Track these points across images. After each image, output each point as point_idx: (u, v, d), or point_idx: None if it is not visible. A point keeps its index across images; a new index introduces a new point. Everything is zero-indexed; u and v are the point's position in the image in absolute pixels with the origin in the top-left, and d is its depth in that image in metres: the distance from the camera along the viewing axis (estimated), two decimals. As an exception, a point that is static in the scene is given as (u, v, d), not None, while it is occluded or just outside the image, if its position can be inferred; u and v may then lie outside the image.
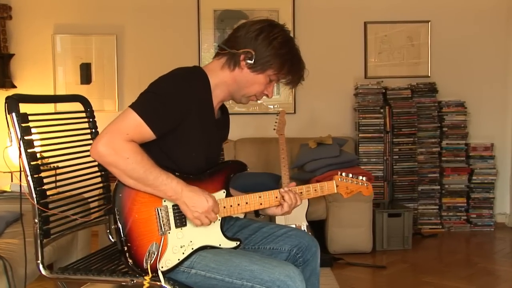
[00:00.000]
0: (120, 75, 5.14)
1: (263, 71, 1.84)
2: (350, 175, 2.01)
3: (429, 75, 5.17)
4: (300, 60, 1.88)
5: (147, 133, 1.70)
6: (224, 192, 1.88)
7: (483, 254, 4.26)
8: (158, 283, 1.75)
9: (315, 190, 1.96)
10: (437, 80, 5.08)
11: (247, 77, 1.85)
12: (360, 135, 4.94)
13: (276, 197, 1.92)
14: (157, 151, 1.78)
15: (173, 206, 1.78)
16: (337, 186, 1.99)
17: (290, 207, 1.92)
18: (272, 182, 4.36)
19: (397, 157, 4.94)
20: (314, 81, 4.90)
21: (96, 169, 2.29)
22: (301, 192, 1.95)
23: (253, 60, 1.81)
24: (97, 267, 1.98)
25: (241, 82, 1.86)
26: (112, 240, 2.34)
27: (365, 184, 2.03)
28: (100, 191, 2.34)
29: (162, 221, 1.75)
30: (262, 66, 1.83)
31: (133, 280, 1.82)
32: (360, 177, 2.01)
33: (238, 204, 1.87)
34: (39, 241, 1.93)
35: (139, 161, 1.67)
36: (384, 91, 4.99)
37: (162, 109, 1.70)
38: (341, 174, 2.00)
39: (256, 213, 2.01)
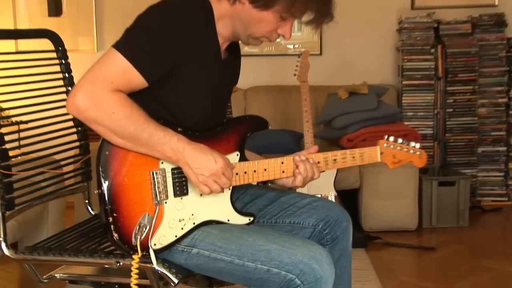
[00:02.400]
0: (98, 5, 5.11)
1: (268, 8, 1.79)
2: (400, 140, 1.96)
3: (496, 3, 5.08)
4: None
5: (137, 80, 1.69)
6: (237, 154, 1.88)
7: (558, 233, 4.29)
8: (149, 265, 1.78)
9: (353, 157, 1.94)
10: (506, 10, 4.99)
11: (250, 14, 1.81)
12: (404, 82, 4.91)
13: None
14: (151, 103, 1.78)
15: (172, 169, 1.79)
16: (381, 153, 1.96)
17: (304, 180, 1.92)
18: (291, 142, 4.37)
19: (452, 110, 4.91)
20: (346, 14, 4.85)
21: (70, 123, 2.29)
22: (335, 159, 1.93)
23: None
24: (74, 246, 2.01)
25: (245, 20, 1.82)
26: (93, 213, 2.37)
27: (418, 153, 2.00)
28: (76, 151, 2.36)
29: (158, 187, 1.77)
30: (265, 2, 1.78)
31: (119, 262, 1.84)
32: (412, 143, 1.98)
33: (255, 171, 1.87)
34: (0, 214, 1.95)
35: (128, 115, 1.67)
36: (436, 25, 4.93)
37: (154, 49, 1.69)
38: (387, 139, 1.96)
39: (265, 182, 2.01)
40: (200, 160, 1.73)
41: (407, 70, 4.91)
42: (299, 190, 3.47)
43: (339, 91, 4.66)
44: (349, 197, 4.24)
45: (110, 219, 1.73)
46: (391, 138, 1.97)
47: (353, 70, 5.13)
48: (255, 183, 2.03)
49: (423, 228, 4.37)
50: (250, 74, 5.03)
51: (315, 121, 4.58)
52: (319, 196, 3.48)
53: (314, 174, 1.91)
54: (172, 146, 1.72)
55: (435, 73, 4.90)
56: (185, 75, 1.77)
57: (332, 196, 3.84)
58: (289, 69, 4.08)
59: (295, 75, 3.84)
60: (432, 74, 4.89)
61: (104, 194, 1.73)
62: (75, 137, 2.33)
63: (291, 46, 5.19)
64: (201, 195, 1.81)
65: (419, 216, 4.32)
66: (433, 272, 3.59)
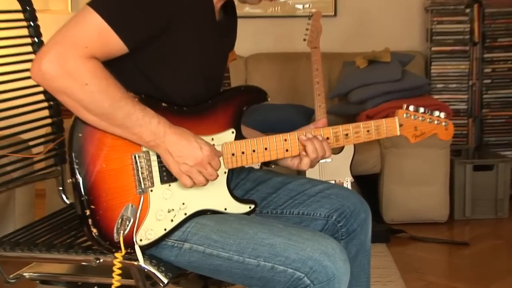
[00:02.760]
0: (72, -42, 5.10)
1: None
2: (421, 110, 1.98)
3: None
4: None
5: (115, 45, 1.69)
6: (233, 132, 1.88)
7: None
8: (135, 263, 1.78)
9: (368, 131, 1.95)
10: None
11: None
12: (433, 48, 4.90)
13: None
14: (132, 72, 1.79)
15: (158, 151, 1.80)
16: (401, 125, 1.97)
17: (313, 162, 1.93)
18: (300, 118, 4.36)
19: (489, 81, 4.90)
20: (366, -34, 4.84)
21: (41, 97, 2.30)
22: (347, 134, 1.94)
23: None
24: (46, 240, 2.01)
25: None
26: (68, 202, 2.38)
27: (444, 123, 2.01)
28: (48, 129, 2.36)
29: (142, 173, 1.77)
30: None
31: (99, 259, 1.85)
32: (436, 113, 1.99)
33: (254, 150, 1.87)
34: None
35: (103, 89, 1.66)
36: (471, -20, 4.92)
37: (136, 8, 1.69)
38: (407, 108, 1.98)
39: (266, 163, 2.02)
40: (183, 146, 1.73)
41: (437, 34, 4.89)
42: (309, 174, 3.49)
43: (357, 59, 4.65)
44: (368, 184, 4.26)
45: (88, 212, 1.73)
46: (411, 107, 1.98)
47: (373, 34, 5.11)
48: (256, 166, 2.03)
49: (455, 220, 4.39)
50: (252, 39, 5.02)
51: (328, 94, 4.58)
52: (333, 182, 3.49)
53: (325, 153, 1.91)
54: (152, 129, 1.72)
55: (470, 38, 4.88)
56: (172, 40, 1.77)
57: (348, 182, 3.84)
58: (297, 33, 4.07)
59: (305, 40, 3.83)
60: (466, 39, 4.87)
61: (79, 183, 1.72)
62: (46, 112, 2.34)
63: (300, 6, 5.17)
64: None
65: (450, 206, 4.34)
66: (466, 271, 3.60)
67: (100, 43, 1.67)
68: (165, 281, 1.79)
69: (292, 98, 4.73)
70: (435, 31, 4.89)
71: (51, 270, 2.07)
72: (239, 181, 2.09)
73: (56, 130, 2.36)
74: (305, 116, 4.41)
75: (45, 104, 2.32)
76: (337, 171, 3.82)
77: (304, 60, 4.51)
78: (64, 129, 2.33)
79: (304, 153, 1.90)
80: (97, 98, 1.66)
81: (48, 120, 2.34)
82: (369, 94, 4.38)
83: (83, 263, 1.91)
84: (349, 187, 3.80)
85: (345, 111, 4.59)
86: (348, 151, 3.88)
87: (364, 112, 4.32)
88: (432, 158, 4.23)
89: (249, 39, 4.87)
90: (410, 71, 4.60)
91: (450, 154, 4.33)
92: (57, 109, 2.34)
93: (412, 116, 1.98)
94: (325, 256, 1.67)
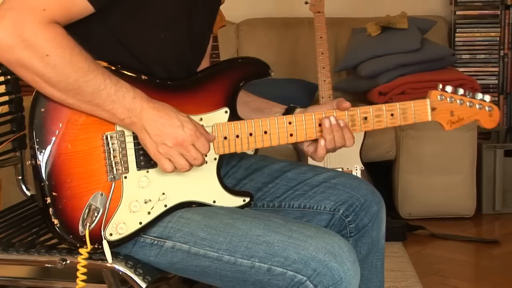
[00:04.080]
0: None
1: None
2: (461, 91, 1.94)
3: None
4: None
5: (79, 5, 1.68)
6: (226, 111, 1.87)
7: None
8: (104, 263, 1.78)
9: (392, 115, 1.93)
10: None
11: None
12: (458, 12, 4.90)
13: (319, 125, 1.90)
14: (102, 37, 1.78)
15: (134, 131, 1.80)
16: (433, 109, 1.94)
17: (330, 150, 1.92)
18: (301, 94, 4.36)
19: (524, 51, 4.91)
20: None
21: (-4, 69, 2.30)
22: (366, 118, 1.92)
23: None
24: (3, 239, 2.02)
25: None
26: (28, 194, 2.38)
27: (487, 108, 1.97)
28: (5, 108, 2.36)
29: (114, 157, 1.77)
30: None
31: (65, 260, 1.84)
32: (479, 95, 1.95)
33: (251, 134, 1.87)
34: None
35: (66, 60, 1.66)
36: None
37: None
38: (443, 89, 1.94)
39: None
40: (162, 124, 1.73)
41: (462, -4, 4.90)
42: (311, 161, 3.49)
43: (368, 25, 4.64)
44: (381, 172, 4.28)
45: (48, 200, 1.73)
46: (448, 88, 1.93)
47: (387, -4, 5.12)
48: (250, 152, 2.03)
49: (482, 214, 4.40)
50: (244, 2, 5.01)
51: (335, 67, 4.58)
52: (340, 170, 3.50)
53: (345, 142, 1.91)
54: (126, 105, 1.71)
55: (502, 0, 4.88)
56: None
57: (357, 170, 3.85)
58: (298, -5, 4.08)
59: (307, 3, 3.82)
60: (497, 1, 4.87)
61: (40, 166, 1.72)
62: (2, 88, 2.34)
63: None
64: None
65: (477, 199, 4.35)
66: (495, 274, 3.62)
67: (60, 4, 1.66)
68: (143, 285, 1.79)
69: (292, 72, 4.73)
70: (460, -8, 4.90)
71: (9, 274, 2.06)
72: (229, 168, 2.09)
73: (14, 109, 2.35)
74: (307, 93, 4.41)
75: (1, 78, 2.31)
76: (345, 157, 3.82)
77: (306, 26, 4.50)
78: (24, 108, 2.33)
79: (322, 141, 1.89)
80: (60, 70, 1.66)
81: (5, 98, 2.34)
82: (382, 67, 4.38)
83: (46, 265, 1.91)
84: (359, 175, 3.81)
85: (354, 87, 4.60)
86: (358, 134, 3.85)
87: (376, 88, 4.32)
88: (456, 142, 4.23)
89: (241, 2, 4.86)
90: (431, 40, 4.60)
91: (478, 137, 4.33)
92: (15, 84, 2.34)
93: (448, 99, 1.93)
94: (331, 257, 1.67)
